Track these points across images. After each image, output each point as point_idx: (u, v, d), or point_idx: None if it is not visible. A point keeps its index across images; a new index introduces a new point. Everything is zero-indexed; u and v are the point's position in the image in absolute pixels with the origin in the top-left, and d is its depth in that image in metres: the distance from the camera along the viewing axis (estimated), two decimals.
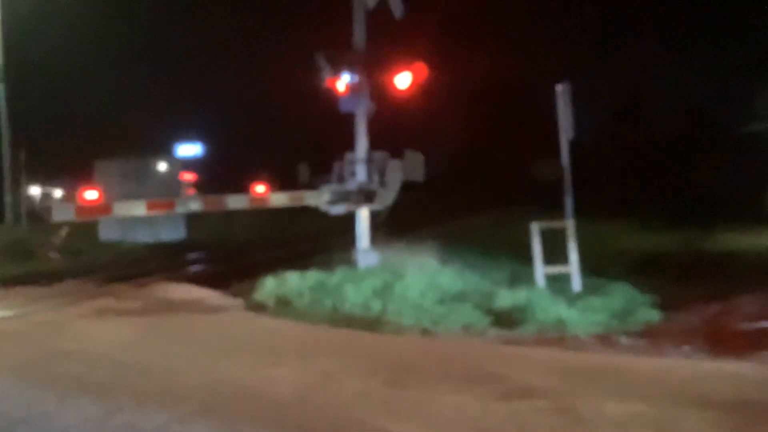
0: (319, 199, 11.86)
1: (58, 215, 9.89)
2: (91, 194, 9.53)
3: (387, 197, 11.95)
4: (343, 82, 11.83)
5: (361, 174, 11.98)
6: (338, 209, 11.97)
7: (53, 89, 27.89)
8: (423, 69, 11.64)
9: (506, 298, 9.07)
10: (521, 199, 24.23)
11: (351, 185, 11.96)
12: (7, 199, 24.60)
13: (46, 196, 36.12)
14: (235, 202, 11.26)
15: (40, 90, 26.51)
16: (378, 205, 11.95)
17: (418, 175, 12.25)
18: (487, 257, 12.45)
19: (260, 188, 11.54)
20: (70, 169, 31.38)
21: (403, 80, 11.62)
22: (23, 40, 24.12)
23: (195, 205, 11.38)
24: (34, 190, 34.13)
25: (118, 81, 32.66)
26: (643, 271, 11.81)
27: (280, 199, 11.64)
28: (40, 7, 24.32)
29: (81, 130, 33.20)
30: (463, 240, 13.61)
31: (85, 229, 23.14)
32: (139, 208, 10.28)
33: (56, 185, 37.34)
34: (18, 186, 25.68)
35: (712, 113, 34.25)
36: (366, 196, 11.82)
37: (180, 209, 12.12)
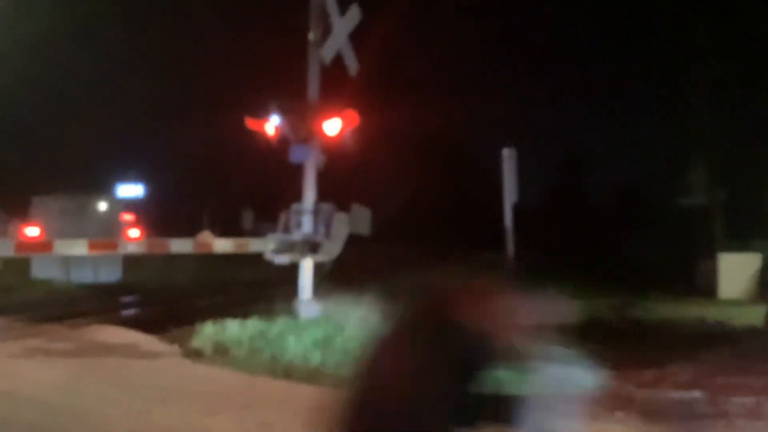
0: (265, 247, 11.83)
1: None
2: (32, 231, 9.34)
3: (332, 249, 11.99)
4: (272, 125, 11.90)
5: (307, 225, 12.01)
6: (283, 259, 11.94)
7: None
8: (355, 116, 11.78)
9: None
10: (465, 256, 24.56)
11: (296, 236, 11.96)
12: None
13: None
14: (178, 246, 11.13)
15: None
16: (323, 257, 11.97)
17: (365, 228, 12.35)
18: None
19: (207, 237, 11.41)
20: (7, 204, 30.51)
21: (334, 127, 11.74)
22: None
23: (138, 248, 11.19)
24: None
25: (60, 118, 32.12)
26: (579, 336, 12.03)
27: (225, 246, 11.56)
28: None
29: (20, 164, 32.45)
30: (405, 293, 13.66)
31: (17, 265, 22.46)
32: (80, 247, 10.09)
33: None
34: None
35: (648, 184, 35.53)
36: (311, 247, 11.83)
37: (122, 251, 11.91)
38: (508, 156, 10.97)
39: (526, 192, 11.18)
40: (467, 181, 35.79)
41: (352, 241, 12.33)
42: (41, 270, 22.30)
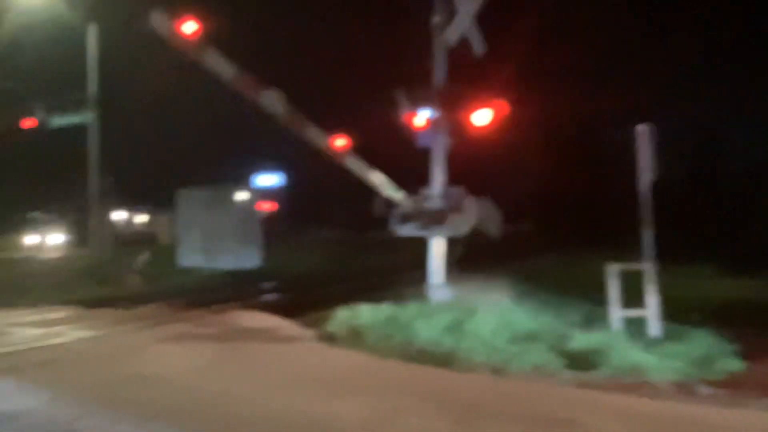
0: (392, 193, 11.87)
1: None
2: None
3: (460, 224, 11.75)
4: (421, 117, 11.89)
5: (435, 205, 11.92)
6: (408, 230, 11.91)
7: (138, 118, 29.07)
8: (504, 106, 11.59)
9: (580, 340, 8.87)
10: (598, 239, 23.78)
11: (425, 203, 11.88)
12: (93, 223, 25.60)
13: (130, 222, 37.37)
14: (314, 135, 11.55)
15: (126, 118, 27.62)
16: (450, 231, 11.75)
17: (494, 229, 12.17)
18: (562, 297, 12.21)
19: (341, 141, 11.63)
20: (153, 196, 32.48)
21: (483, 117, 11.59)
22: (114, 70, 25.28)
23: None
24: (119, 216, 35.38)
25: (201, 111, 33.74)
26: (725, 318, 11.35)
27: (355, 166, 11.73)
28: (132, 41, 25.46)
29: (164, 160, 34.50)
30: (537, 278, 13.40)
31: (164, 254, 23.85)
32: None
33: (140, 211, 38.62)
34: (104, 211, 26.66)
35: None
36: (438, 216, 11.66)
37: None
38: (643, 132, 10.46)
39: (663, 172, 10.57)
40: (600, 165, 34.64)
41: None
42: (187, 259, 23.57)
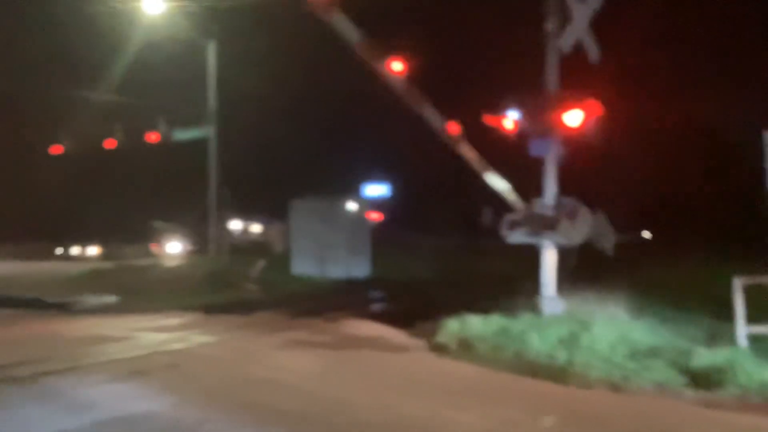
0: (506, 194, 11.77)
1: None
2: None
3: (572, 233, 11.47)
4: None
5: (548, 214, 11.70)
6: (518, 237, 11.73)
7: (254, 131, 30.03)
8: (597, 107, 11.24)
9: (704, 357, 8.46)
10: (718, 250, 22.71)
11: (535, 209, 11.69)
12: (212, 233, 26.63)
13: (246, 231, 38.59)
14: (431, 115, 11.76)
15: (243, 131, 28.58)
16: (561, 238, 11.49)
17: (609, 244, 11.87)
18: (682, 312, 11.71)
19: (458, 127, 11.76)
20: (268, 207, 33.44)
21: (574, 118, 11.29)
22: (232, 85, 26.21)
23: None
24: (236, 225, 36.57)
25: (312, 124, 34.55)
26: None
27: (470, 155, 11.79)
28: (247, 56, 26.38)
29: (278, 170, 35.54)
30: (654, 292, 12.91)
31: (278, 262, 24.47)
32: None
33: (255, 221, 39.82)
34: (222, 221, 27.65)
35: None
36: (548, 222, 11.42)
37: None
38: None
39: None
40: (725, 170, 32.98)
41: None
42: (300, 267, 24.07)
